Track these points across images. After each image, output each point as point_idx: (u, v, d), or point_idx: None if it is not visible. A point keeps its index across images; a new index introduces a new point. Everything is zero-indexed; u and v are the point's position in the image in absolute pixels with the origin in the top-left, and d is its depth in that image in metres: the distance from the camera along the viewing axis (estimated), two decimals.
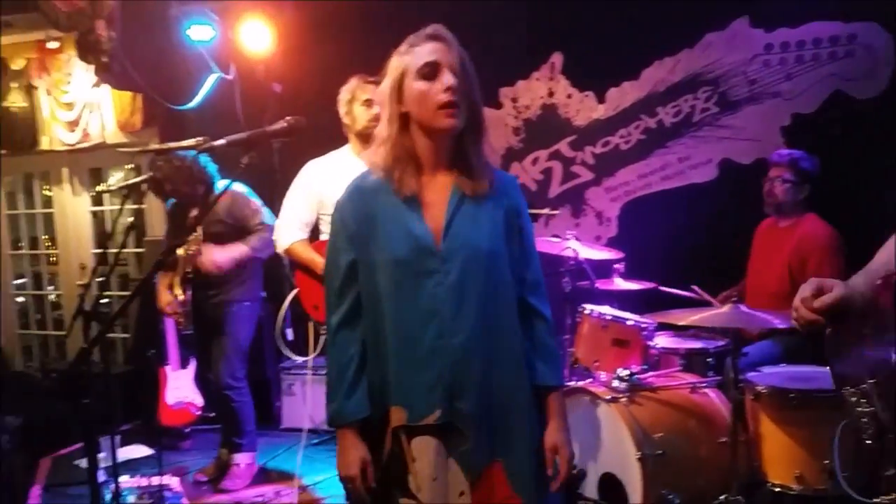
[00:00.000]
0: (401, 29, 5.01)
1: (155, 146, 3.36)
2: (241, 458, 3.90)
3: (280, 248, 3.21)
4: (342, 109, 3.15)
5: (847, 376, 1.46)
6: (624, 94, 4.28)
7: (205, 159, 3.74)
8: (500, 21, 4.37)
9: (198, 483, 3.92)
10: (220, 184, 3.77)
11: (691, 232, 3.92)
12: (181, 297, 3.77)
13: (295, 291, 3.36)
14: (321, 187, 3.13)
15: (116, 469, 2.91)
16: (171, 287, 3.80)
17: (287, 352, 4.44)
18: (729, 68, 4.04)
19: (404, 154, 1.68)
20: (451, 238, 1.66)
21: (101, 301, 3.69)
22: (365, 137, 3.12)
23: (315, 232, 3.25)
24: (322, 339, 3.33)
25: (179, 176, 3.68)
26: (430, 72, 1.64)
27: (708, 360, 3.25)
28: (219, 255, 3.68)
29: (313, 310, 3.20)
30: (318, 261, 3.08)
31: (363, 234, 1.70)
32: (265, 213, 3.78)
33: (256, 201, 3.81)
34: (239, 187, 3.79)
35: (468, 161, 1.69)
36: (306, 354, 3.70)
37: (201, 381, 4.27)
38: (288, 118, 2.04)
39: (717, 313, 2.77)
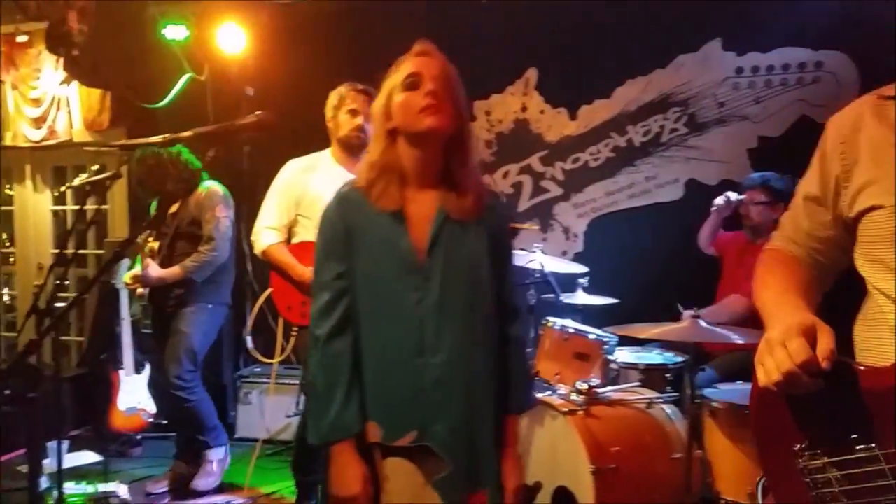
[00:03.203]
0: (374, 35, 5.03)
1: (121, 142, 3.30)
2: (213, 455, 3.82)
3: (257, 249, 3.17)
4: (328, 114, 3.13)
5: None
6: (595, 112, 4.30)
7: (187, 156, 3.69)
8: (476, 35, 4.38)
9: (148, 494, 3.78)
10: (206, 183, 3.77)
11: (656, 250, 3.94)
12: (138, 292, 3.75)
13: (267, 293, 3.32)
14: (300, 188, 3.11)
15: (61, 476, 2.79)
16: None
17: (257, 355, 4.37)
18: (699, 90, 4.09)
19: (389, 167, 1.66)
20: (436, 255, 1.64)
21: (58, 297, 3.62)
22: (346, 145, 3.12)
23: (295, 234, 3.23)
24: (291, 341, 3.27)
25: (152, 176, 3.66)
26: (412, 82, 1.66)
27: (667, 375, 3.23)
28: (151, 272, 3.67)
29: (286, 310, 3.18)
30: (294, 265, 3.06)
31: (348, 246, 1.67)
32: (221, 226, 3.69)
33: (224, 209, 3.72)
34: (217, 189, 3.77)
35: (454, 178, 1.68)
36: (271, 359, 3.63)
37: (154, 387, 4.15)
38: (258, 112, 2.00)
39: (676, 328, 2.75)
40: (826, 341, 1.17)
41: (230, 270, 3.89)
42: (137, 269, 3.70)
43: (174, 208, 3.79)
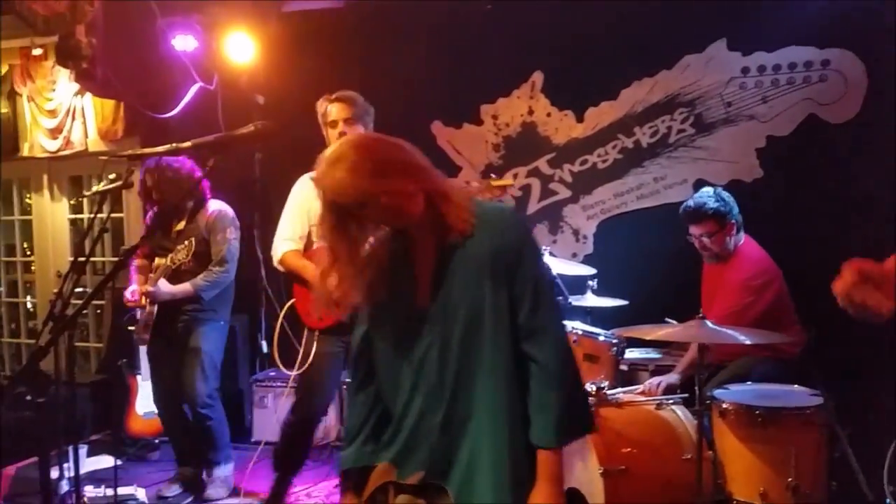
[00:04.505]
0: (382, 41, 5.05)
1: (128, 151, 3.33)
2: (222, 471, 3.87)
3: (275, 261, 3.27)
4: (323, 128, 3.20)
5: None
6: (602, 114, 4.32)
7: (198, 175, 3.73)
8: (481, 40, 4.42)
9: (162, 498, 3.85)
10: (214, 203, 3.79)
11: (665, 251, 3.94)
12: (148, 309, 3.71)
13: (291, 301, 3.38)
14: (309, 201, 3.18)
15: (79, 480, 2.86)
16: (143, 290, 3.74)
17: (280, 365, 4.39)
18: (706, 90, 4.10)
19: (383, 259, 1.68)
20: (437, 299, 1.65)
21: (71, 305, 3.66)
22: None
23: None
24: (314, 347, 3.31)
25: (170, 186, 3.68)
26: (365, 212, 1.65)
27: None
28: (163, 288, 3.64)
29: (306, 316, 3.27)
30: (306, 265, 3.14)
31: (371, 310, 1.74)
32: (233, 249, 3.75)
33: (233, 232, 3.77)
34: (228, 211, 3.80)
35: (437, 210, 1.65)
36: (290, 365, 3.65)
37: (157, 400, 4.03)
38: (257, 122, 2.04)
39: (682, 329, 2.78)
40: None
41: (233, 288, 3.92)
42: (145, 286, 3.68)
43: (180, 226, 3.79)
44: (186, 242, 3.61)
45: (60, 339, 3.26)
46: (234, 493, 3.89)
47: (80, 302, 4.34)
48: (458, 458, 1.65)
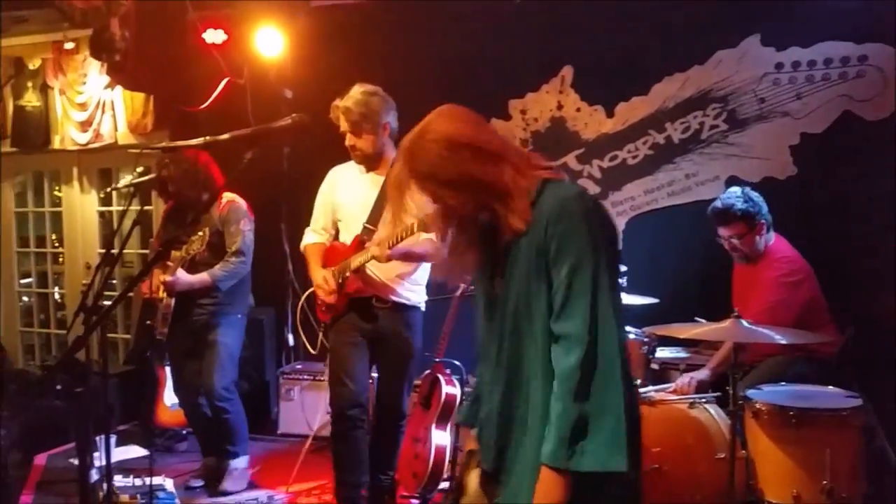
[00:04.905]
0: (410, 36, 5.03)
1: (162, 144, 3.34)
2: (239, 463, 3.88)
3: (301, 248, 3.39)
4: None
5: None
6: (633, 109, 4.27)
7: (214, 170, 3.75)
8: (510, 33, 4.39)
9: (189, 489, 3.88)
10: (227, 195, 3.78)
11: (696, 248, 3.89)
12: (165, 301, 3.72)
13: (311, 290, 3.41)
14: (335, 195, 3.27)
15: (110, 469, 2.88)
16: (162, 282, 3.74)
17: (309, 348, 4.39)
18: (739, 86, 4.04)
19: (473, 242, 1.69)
20: (502, 289, 1.64)
21: (102, 296, 3.68)
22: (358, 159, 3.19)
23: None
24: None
25: (185, 179, 3.69)
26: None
27: None
28: (182, 277, 3.65)
29: (316, 307, 3.33)
30: (309, 262, 3.28)
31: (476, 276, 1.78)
32: (248, 240, 3.75)
33: (247, 223, 3.77)
34: (241, 202, 3.80)
35: (494, 216, 1.62)
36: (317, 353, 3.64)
37: (178, 394, 4.06)
38: (293, 115, 2.04)
39: (717, 327, 2.74)
40: None
41: (249, 281, 3.92)
42: (164, 276, 3.66)
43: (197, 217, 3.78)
44: (200, 233, 3.60)
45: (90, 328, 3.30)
46: (262, 484, 3.92)
47: (112, 294, 4.39)
48: (510, 455, 1.64)
